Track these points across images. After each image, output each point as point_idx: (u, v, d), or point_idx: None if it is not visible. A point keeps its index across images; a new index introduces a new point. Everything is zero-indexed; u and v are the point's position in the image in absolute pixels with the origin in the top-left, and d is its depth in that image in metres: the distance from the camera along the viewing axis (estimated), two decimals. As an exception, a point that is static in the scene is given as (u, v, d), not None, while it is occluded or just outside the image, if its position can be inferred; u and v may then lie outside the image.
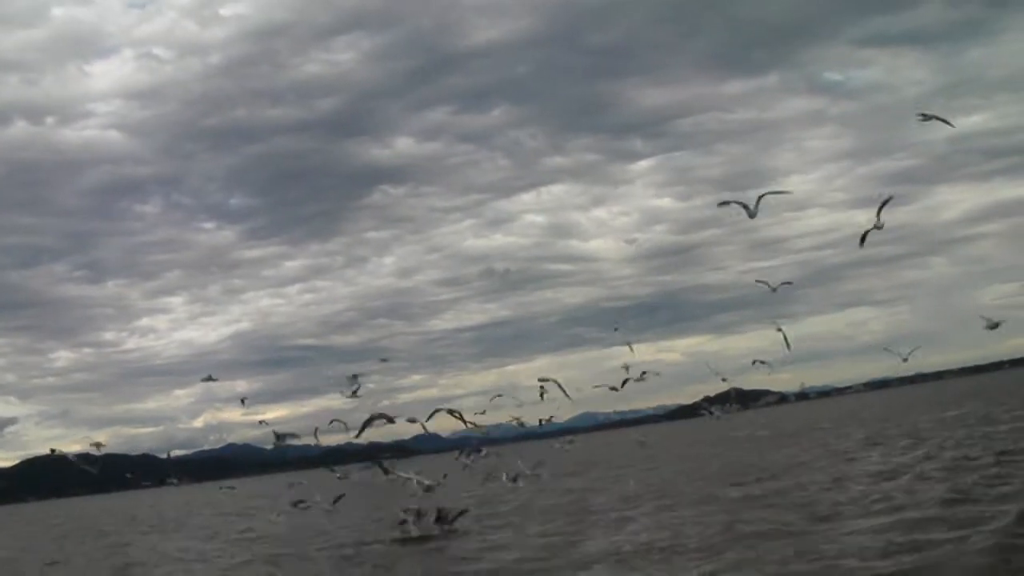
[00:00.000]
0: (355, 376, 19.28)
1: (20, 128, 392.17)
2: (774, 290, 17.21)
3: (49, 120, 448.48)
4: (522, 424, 21.14)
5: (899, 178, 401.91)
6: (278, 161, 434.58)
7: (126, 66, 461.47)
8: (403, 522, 22.84)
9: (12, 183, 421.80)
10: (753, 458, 39.97)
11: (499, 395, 17.98)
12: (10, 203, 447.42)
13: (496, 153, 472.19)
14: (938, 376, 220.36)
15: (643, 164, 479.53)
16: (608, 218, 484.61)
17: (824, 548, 15.48)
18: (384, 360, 17.39)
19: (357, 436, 19.17)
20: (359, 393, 17.95)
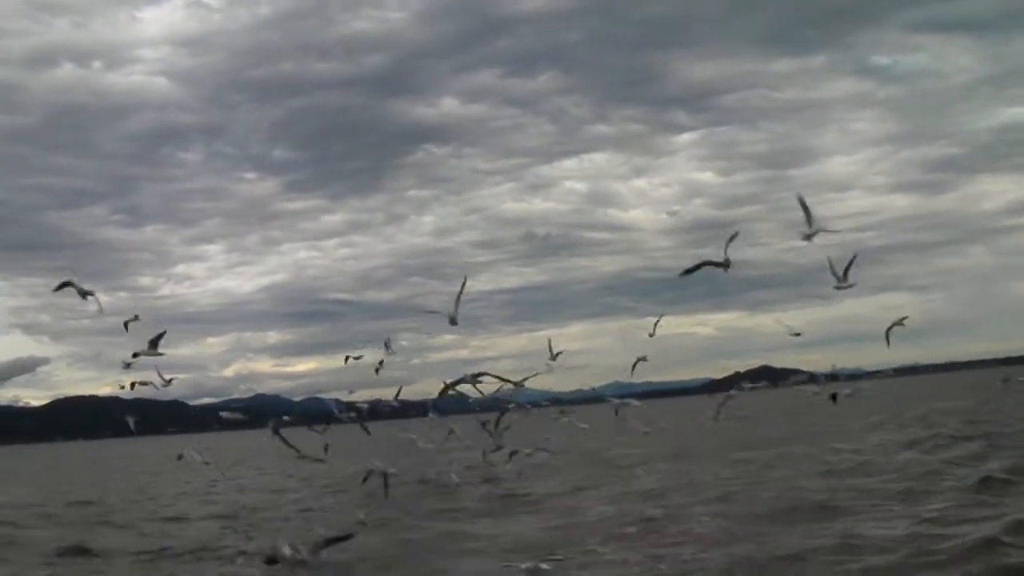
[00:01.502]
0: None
1: (67, 71, 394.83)
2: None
3: (96, 64, 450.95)
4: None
5: (942, 165, 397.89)
6: (322, 115, 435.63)
7: (176, 13, 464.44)
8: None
9: (56, 125, 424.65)
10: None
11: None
12: (53, 145, 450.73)
13: (540, 118, 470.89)
14: (969, 365, 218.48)
15: (686, 137, 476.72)
16: (648, 189, 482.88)
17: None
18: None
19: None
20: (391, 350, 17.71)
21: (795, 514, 17.83)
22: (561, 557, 14.73)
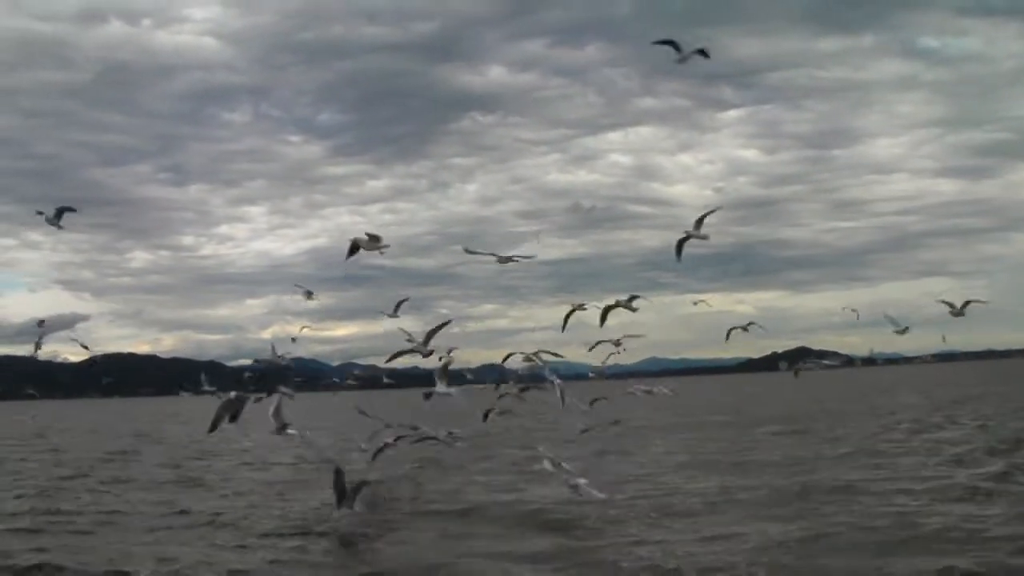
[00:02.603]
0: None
1: (116, 28, 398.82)
2: None
3: (145, 22, 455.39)
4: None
5: (988, 150, 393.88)
6: (370, 80, 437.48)
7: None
8: None
9: (103, 82, 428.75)
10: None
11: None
12: (100, 101, 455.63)
13: (588, 89, 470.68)
14: (1006, 355, 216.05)
15: (732, 114, 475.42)
16: (693, 164, 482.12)
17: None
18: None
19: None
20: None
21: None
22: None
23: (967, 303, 17.30)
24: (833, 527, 14.98)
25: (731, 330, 18.93)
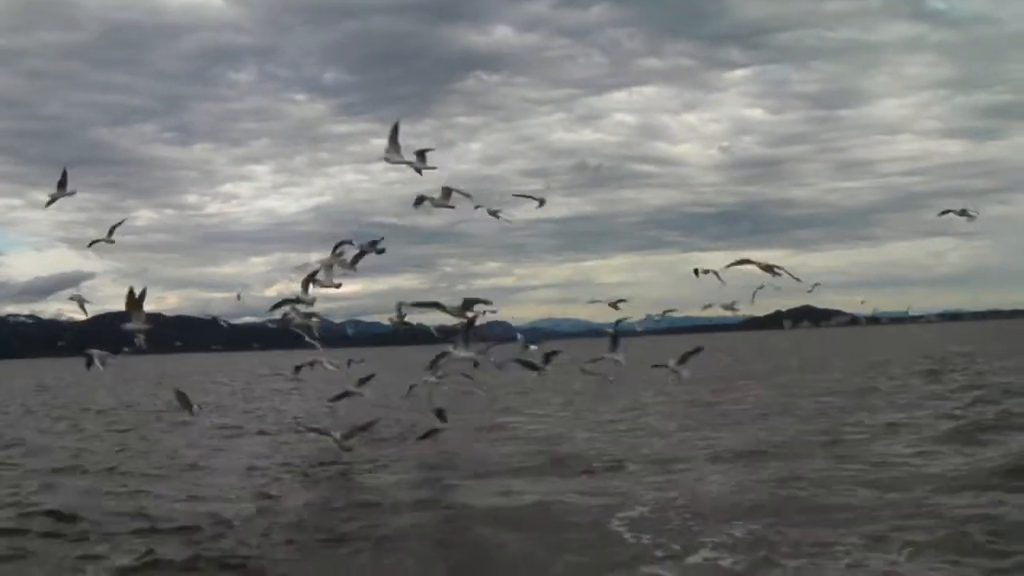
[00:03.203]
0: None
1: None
2: None
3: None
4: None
5: (995, 111, 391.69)
6: (375, 40, 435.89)
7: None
8: None
9: (110, 42, 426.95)
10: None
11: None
12: (106, 62, 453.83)
13: (592, 49, 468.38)
14: (1013, 315, 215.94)
15: (738, 73, 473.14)
16: (698, 124, 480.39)
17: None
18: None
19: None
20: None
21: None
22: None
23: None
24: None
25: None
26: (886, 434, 20.13)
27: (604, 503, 14.17)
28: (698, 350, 15.84)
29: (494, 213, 15.06)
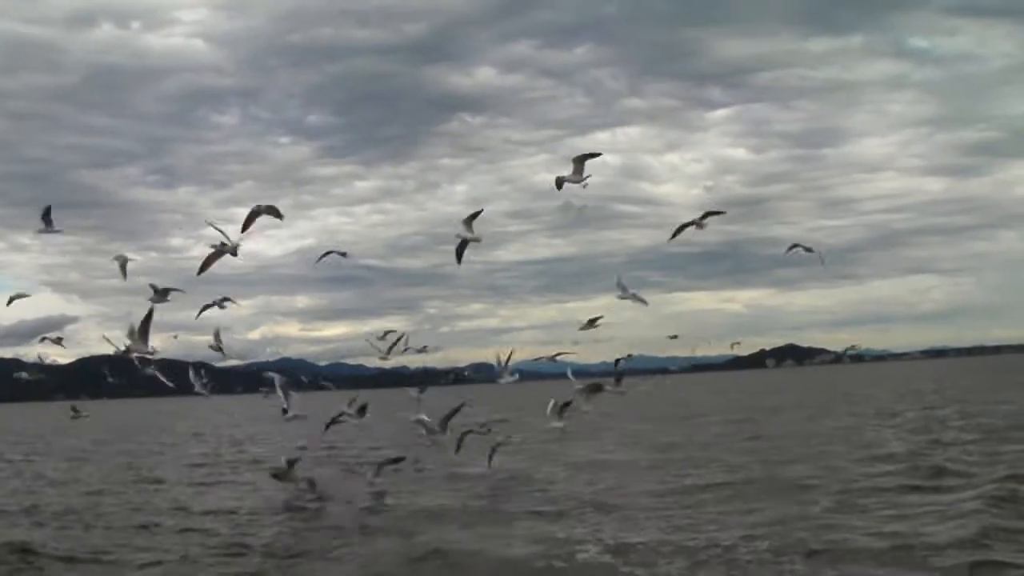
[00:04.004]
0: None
1: (105, 31, 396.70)
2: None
3: (135, 25, 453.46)
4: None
5: (977, 149, 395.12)
6: (359, 82, 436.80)
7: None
8: None
9: (93, 85, 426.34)
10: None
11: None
12: (90, 104, 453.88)
13: (576, 90, 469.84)
14: (997, 350, 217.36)
15: (720, 113, 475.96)
16: (680, 164, 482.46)
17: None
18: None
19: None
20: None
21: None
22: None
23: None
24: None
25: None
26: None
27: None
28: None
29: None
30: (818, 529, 14.30)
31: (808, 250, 17.05)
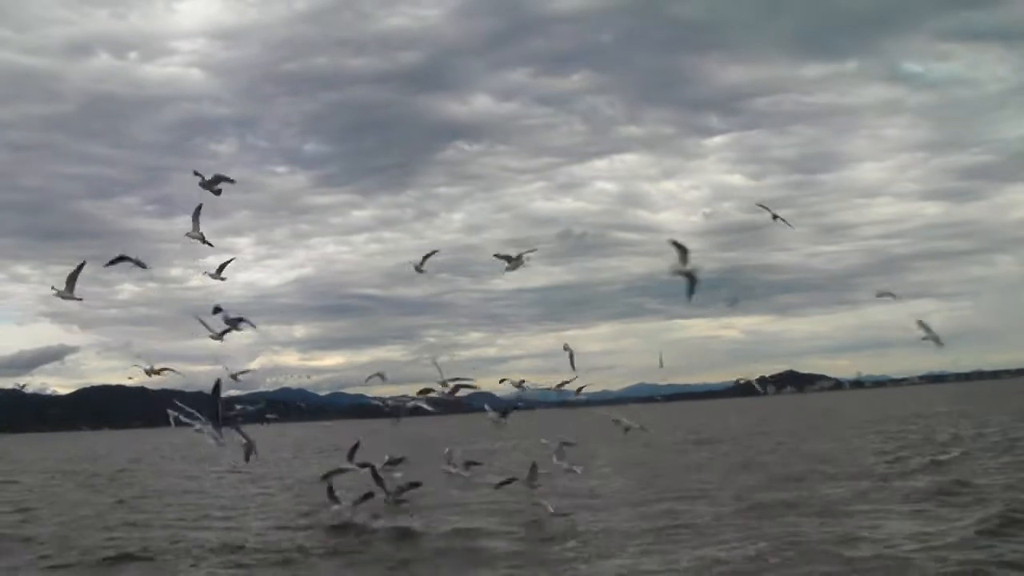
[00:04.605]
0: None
1: (103, 61, 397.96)
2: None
3: (132, 55, 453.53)
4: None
5: (973, 173, 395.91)
6: (355, 110, 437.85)
7: (212, 6, 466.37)
8: None
9: (90, 114, 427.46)
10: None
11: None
12: (87, 134, 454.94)
13: (573, 118, 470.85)
14: (995, 375, 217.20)
15: (717, 140, 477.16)
16: (678, 191, 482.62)
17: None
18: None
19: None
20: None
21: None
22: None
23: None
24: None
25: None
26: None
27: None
28: None
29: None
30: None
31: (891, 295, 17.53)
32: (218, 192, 16.31)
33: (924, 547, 14.95)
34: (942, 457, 28.21)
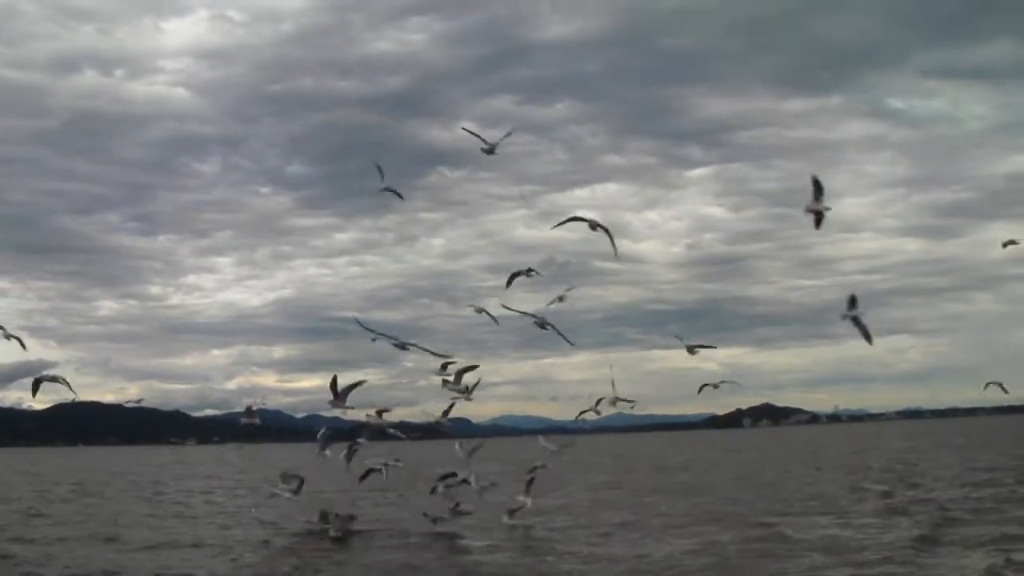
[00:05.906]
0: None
1: (89, 77, 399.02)
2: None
3: (118, 72, 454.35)
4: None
5: (953, 210, 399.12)
6: (339, 133, 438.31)
7: (199, 25, 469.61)
8: None
9: (75, 130, 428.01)
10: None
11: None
12: (71, 150, 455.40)
13: (555, 146, 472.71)
14: (971, 412, 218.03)
15: (699, 172, 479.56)
16: (660, 221, 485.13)
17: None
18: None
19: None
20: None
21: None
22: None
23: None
24: None
25: (703, 387, 19.05)
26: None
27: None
28: None
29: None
30: None
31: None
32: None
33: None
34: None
